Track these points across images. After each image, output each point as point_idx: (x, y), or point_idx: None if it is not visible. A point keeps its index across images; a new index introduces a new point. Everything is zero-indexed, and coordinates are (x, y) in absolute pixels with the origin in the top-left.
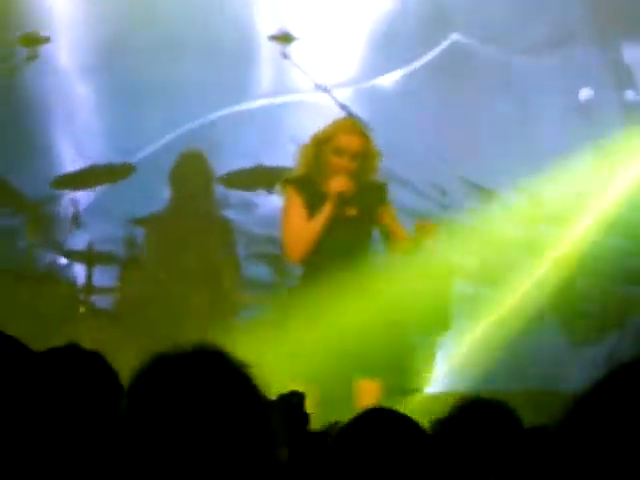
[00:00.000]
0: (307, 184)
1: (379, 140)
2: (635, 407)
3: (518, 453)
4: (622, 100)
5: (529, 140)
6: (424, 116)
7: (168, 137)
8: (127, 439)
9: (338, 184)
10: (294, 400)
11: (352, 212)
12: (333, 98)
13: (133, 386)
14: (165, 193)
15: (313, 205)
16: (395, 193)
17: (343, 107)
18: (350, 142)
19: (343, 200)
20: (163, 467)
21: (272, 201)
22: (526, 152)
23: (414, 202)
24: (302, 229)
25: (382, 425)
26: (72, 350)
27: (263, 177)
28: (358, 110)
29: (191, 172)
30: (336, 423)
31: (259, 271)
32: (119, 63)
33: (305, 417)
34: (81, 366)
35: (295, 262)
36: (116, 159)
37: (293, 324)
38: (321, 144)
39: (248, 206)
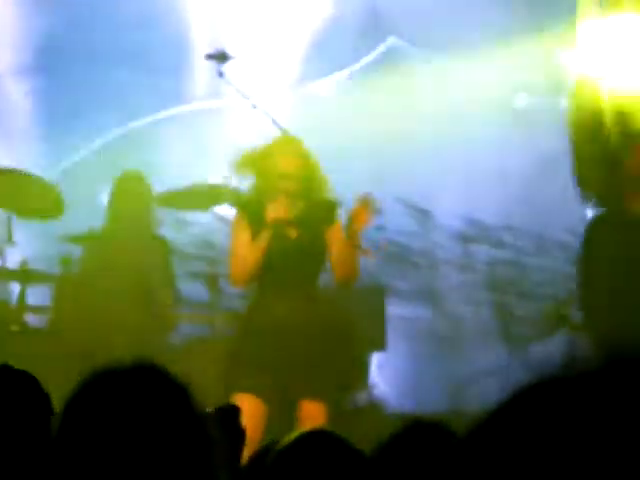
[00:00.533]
0: (254, 207)
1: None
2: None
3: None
4: (558, 106)
5: (465, 150)
6: (359, 125)
7: (99, 142)
8: (63, 455)
9: (273, 210)
10: (229, 414)
11: (294, 234)
12: (267, 114)
13: (70, 402)
14: (100, 206)
15: (260, 229)
16: None
17: (276, 123)
18: (286, 163)
19: (281, 225)
20: None
21: (206, 219)
22: (463, 164)
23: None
24: (242, 256)
25: (320, 449)
26: (2, 370)
27: (200, 196)
28: (296, 118)
29: (129, 191)
30: (274, 442)
31: (194, 290)
32: (53, 65)
33: (240, 432)
34: (11, 386)
35: (237, 287)
36: (46, 164)
37: (236, 342)
38: (258, 166)
39: (183, 224)
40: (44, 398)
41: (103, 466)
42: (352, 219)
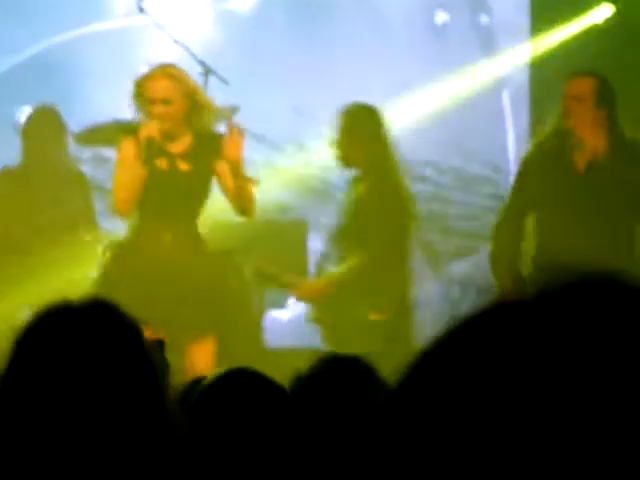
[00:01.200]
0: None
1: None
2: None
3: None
4: (478, 24)
5: (387, 66)
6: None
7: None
8: (10, 393)
9: (145, 130)
10: (155, 346)
11: (185, 167)
12: (186, 48)
13: (20, 339)
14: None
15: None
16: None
17: (192, 55)
18: (158, 87)
19: (152, 145)
20: (50, 421)
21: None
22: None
23: (271, 157)
24: (123, 183)
25: (243, 386)
26: None
27: (116, 132)
28: (214, 33)
29: (43, 126)
30: (197, 381)
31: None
32: None
33: (167, 365)
34: None
35: (120, 215)
36: None
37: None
38: (138, 93)
39: (101, 161)
40: None
41: (52, 399)
42: (226, 151)
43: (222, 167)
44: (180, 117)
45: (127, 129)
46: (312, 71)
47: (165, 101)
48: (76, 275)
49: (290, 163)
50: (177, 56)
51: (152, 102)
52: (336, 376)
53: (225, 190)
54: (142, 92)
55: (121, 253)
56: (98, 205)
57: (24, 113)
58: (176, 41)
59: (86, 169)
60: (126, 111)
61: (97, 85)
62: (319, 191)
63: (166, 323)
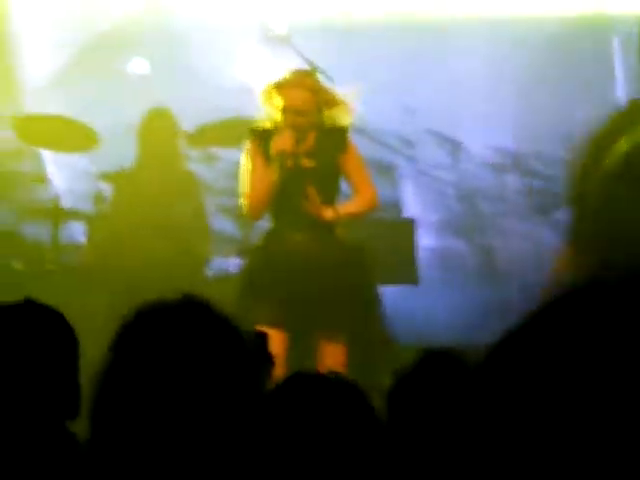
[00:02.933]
0: (269, 136)
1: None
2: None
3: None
4: None
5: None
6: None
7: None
8: (113, 390)
9: (279, 142)
10: (257, 340)
11: (310, 164)
12: (296, 49)
13: (119, 338)
14: (127, 147)
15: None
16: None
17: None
18: (294, 98)
19: (286, 158)
20: (152, 419)
21: (236, 154)
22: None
23: (377, 153)
24: (256, 187)
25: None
26: (26, 305)
27: (230, 132)
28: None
29: (157, 127)
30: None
31: (225, 225)
32: None
33: (269, 358)
34: (35, 320)
35: (254, 220)
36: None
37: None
38: (268, 99)
39: (212, 159)
40: (69, 332)
41: (154, 399)
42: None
43: (347, 162)
44: (311, 124)
45: (251, 134)
46: (423, 69)
47: (300, 112)
48: (186, 274)
49: (399, 161)
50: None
51: (287, 111)
52: (431, 370)
53: (351, 184)
54: (276, 97)
55: (255, 256)
56: (208, 204)
57: (135, 64)
58: (290, 47)
59: (196, 168)
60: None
61: (205, 38)
62: (426, 187)
63: (300, 321)
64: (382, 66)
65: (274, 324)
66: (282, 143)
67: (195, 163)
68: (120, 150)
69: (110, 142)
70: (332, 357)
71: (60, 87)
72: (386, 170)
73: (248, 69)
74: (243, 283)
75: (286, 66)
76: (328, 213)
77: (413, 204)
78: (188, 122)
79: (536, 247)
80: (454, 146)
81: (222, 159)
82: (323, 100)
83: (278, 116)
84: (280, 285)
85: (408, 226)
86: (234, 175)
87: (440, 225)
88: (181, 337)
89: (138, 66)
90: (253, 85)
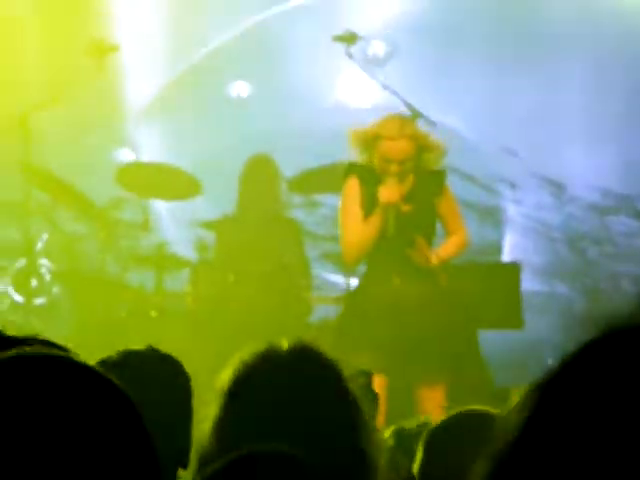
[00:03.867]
0: (368, 174)
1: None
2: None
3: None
4: None
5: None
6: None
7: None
8: (230, 433)
9: (386, 194)
10: (361, 379)
11: (406, 207)
12: (396, 93)
13: (240, 382)
14: (229, 195)
15: (373, 197)
16: (457, 186)
17: (404, 101)
18: (396, 149)
19: (393, 209)
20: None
21: (336, 199)
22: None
23: (480, 196)
24: (356, 232)
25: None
26: (149, 353)
27: (330, 178)
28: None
29: (259, 174)
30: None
31: (328, 270)
32: None
33: (374, 397)
34: (158, 368)
35: (351, 265)
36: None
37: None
38: (368, 147)
39: (313, 205)
40: (186, 381)
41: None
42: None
43: (442, 204)
44: (411, 170)
45: (348, 170)
46: (523, 109)
47: (402, 162)
48: (289, 321)
49: (502, 203)
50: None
51: (390, 161)
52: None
53: (446, 227)
54: (377, 145)
55: (353, 301)
56: (310, 250)
57: (237, 87)
58: (385, 86)
59: (297, 214)
60: (329, 79)
61: (303, 55)
62: (532, 231)
63: (400, 366)
64: (481, 104)
65: (373, 369)
66: (389, 194)
67: (297, 209)
68: (221, 197)
69: (211, 188)
70: (431, 400)
71: (161, 111)
72: (490, 213)
73: (346, 89)
74: (342, 328)
75: (385, 112)
76: (434, 259)
77: (518, 247)
78: (289, 168)
79: None
80: (558, 188)
81: (324, 205)
82: (422, 145)
83: (379, 164)
84: (379, 330)
85: (513, 269)
86: (335, 221)
87: (545, 268)
88: (290, 383)
89: (238, 89)
90: (351, 104)
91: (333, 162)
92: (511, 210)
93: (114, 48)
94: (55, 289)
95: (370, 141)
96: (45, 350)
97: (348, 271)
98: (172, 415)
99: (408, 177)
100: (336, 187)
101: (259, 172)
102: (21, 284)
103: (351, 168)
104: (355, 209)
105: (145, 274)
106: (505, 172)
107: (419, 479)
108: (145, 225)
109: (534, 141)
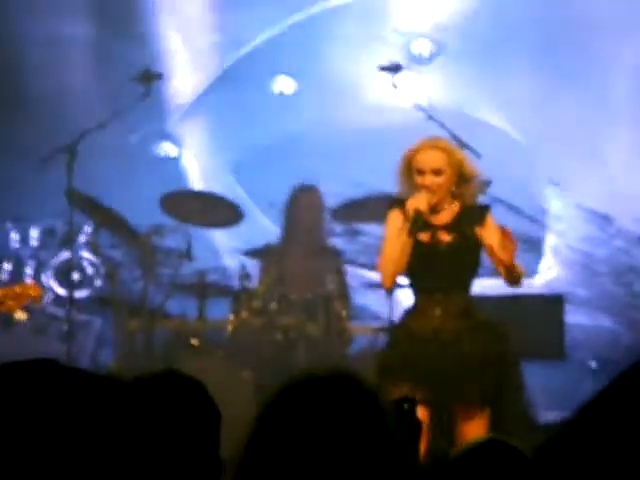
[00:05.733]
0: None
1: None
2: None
3: None
4: None
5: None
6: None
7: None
8: (258, 460)
9: (414, 202)
10: (406, 406)
11: (447, 238)
12: (442, 125)
13: (268, 409)
14: (264, 223)
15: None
16: (500, 217)
17: (450, 132)
18: (428, 157)
19: (420, 217)
20: None
21: (377, 228)
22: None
23: (523, 228)
24: (389, 255)
25: (499, 458)
26: (169, 376)
27: (374, 208)
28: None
29: (304, 205)
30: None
31: (368, 300)
32: None
33: (417, 424)
34: (178, 391)
35: (386, 287)
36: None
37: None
38: (407, 166)
39: (353, 234)
40: (209, 403)
41: (298, 470)
42: (497, 255)
43: (489, 239)
44: (448, 189)
45: (392, 203)
46: (569, 140)
47: (436, 172)
48: (329, 351)
49: (546, 235)
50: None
51: (422, 173)
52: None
53: (494, 261)
54: (411, 164)
55: (396, 333)
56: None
57: (279, 83)
58: (430, 117)
59: (338, 242)
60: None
61: (345, 52)
62: (577, 263)
63: (442, 397)
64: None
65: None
66: (417, 202)
67: (338, 237)
68: (262, 226)
69: (253, 218)
70: (473, 433)
71: (204, 108)
72: (534, 245)
73: (392, 87)
74: (385, 360)
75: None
76: (519, 268)
77: (563, 280)
78: (333, 197)
79: None
80: (605, 221)
81: (365, 233)
82: (456, 163)
83: (415, 180)
84: (421, 361)
85: (556, 302)
86: (377, 250)
87: (590, 302)
88: (328, 411)
89: (284, 85)
90: (396, 103)
91: (376, 193)
92: (555, 242)
93: (159, 76)
94: (98, 282)
95: (409, 159)
96: None
97: (388, 300)
98: (195, 437)
99: (443, 193)
100: (378, 216)
101: (304, 202)
102: (63, 277)
103: (395, 202)
104: (391, 236)
105: (187, 302)
106: (550, 204)
107: None
108: (188, 253)
109: (580, 173)
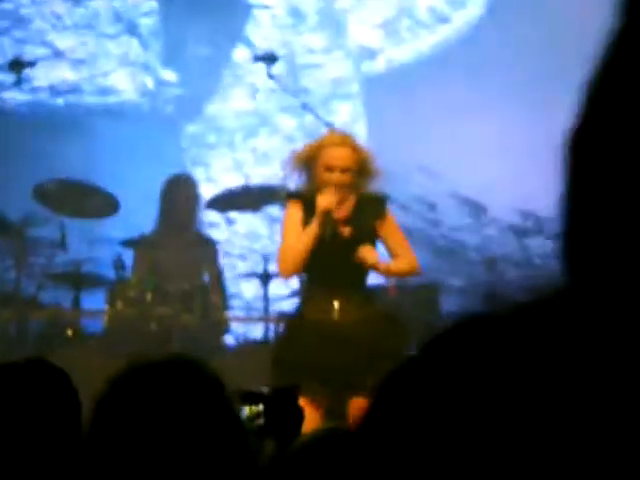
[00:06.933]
0: (308, 200)
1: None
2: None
3: None
4: None
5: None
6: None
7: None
8: (96, 449)
9: (324, 201)
10: (288, 394)
11: (347, 231)
12: (316, 114)
13: (104, 396)
14: (145, 212)
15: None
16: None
17: (324, 121)
18: (339, 155)
19: (330, 217)
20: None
21: (253, 218)
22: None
23: (399, 218)
24: (291, 246)
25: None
26: (37, 364)
27: (250, 198)
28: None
29: (179, 195)
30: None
31: (244, 289)
32: None
33: (298, 412)
34: (42, 380)
35: (285, 278)
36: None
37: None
38: (311, 160)
39: (229, 223)
40: (71, 393)
41: (137, 458)
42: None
43: (385, 229)
44: (351, 185)
45: (290, 195)
46: (441, 129)
47: (344, 170)
48: (204, 341)
49: (420, 224)
50: None
51: (330, 170)
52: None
53: (391, 252)
54: (320, 157)
55: (293, 322)
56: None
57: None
58: (305, 106)
59: (215, 233)
60: None
61: None
62: (450, 252)
63: (335, 381)
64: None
65: (311, 392)
66: (327, 201)
67: (214, 227)
68: (138, 216)
69: (127, 208)
70: (360, 412)
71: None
72: (407, 234)
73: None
74: (280, 351)
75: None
76: (382, 266)
77: (436, 268)
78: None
79: None
80: (477, 209)
81: (237, 222)
82: (362, 161)
83: (320, 175)
84: (317, 352)
85: (432, 290)
86: (253, 238)
87: (464, 290)
88: (165, 395)
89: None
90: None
91: (250, 184)
92: (430, 231)
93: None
94: None
95: (314, 154)
96: None
97: (265, 289)
98: (54, 426)
99: (348, 195)
100: (253, 205)
101: (178, 191)
102: None
103: (292, 194)
104: (293, 225)
105: (61, 293)
106: (424, 193)
107: None
108: (62, 243)
109: (454, 161)
